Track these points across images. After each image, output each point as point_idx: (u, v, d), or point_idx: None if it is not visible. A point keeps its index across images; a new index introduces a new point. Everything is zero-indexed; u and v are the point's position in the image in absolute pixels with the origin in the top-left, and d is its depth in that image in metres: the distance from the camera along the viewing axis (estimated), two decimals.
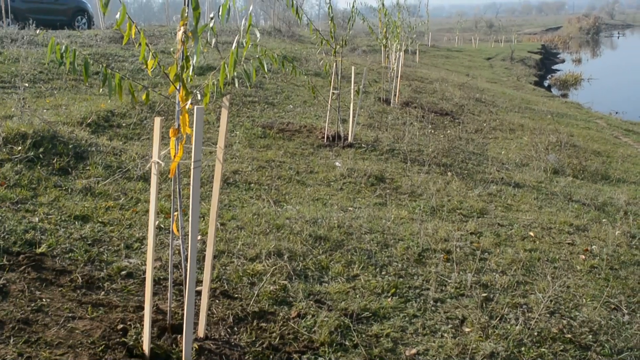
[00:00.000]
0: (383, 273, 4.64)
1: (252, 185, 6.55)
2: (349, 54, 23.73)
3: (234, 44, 3.01)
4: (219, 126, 8.83)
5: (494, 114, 14.56)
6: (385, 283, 4.45)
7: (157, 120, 3.04)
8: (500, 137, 11.79)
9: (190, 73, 3.13)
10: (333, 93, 9.19)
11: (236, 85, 3.26)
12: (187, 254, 3.07)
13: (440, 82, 18.40)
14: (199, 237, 4.71)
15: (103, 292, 3.88)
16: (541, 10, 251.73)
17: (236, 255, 4.60)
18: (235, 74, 3.20)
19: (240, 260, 4.53)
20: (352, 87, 9.60)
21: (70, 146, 6.44)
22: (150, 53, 3.12)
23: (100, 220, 4.96)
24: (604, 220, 6.85)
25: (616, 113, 22.08)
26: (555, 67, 42.88)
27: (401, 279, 4.56)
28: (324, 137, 8.96)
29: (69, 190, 5.54)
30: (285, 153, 8.03)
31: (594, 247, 5.84)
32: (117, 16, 2.89)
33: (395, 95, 13.29)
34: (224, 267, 4.40)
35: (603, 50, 66.60)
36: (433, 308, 4.20)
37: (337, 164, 7.72)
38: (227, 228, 5.14)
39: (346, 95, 11.43)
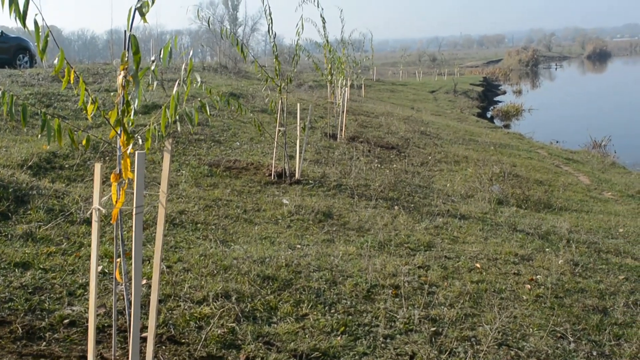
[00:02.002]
0: (332, 311, 4.63)
1: (199, 225, 6.48)
2: (295, 89, 23.90)
3: (175, 88, 3.00)
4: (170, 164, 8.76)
5: (438, 146, 14.81)
6: (335, 321, 4.44)
7: (98, 167, 3.00)
8: (446, 170, 11.98)
9: (132, 117, 3.10)
10: (279, 130, 9.22)
11: (178, 128, 3.24)
12: (131, 300, 3.01)
13: (385, 116, 18.66)
14: (145, 281, 4.63)
15: (44, 343, 3.76)
16: (482, 43, 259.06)
17: (183, 299, 4.52)
18: (177, 117, 3.18)
19: (187, 304, 4.45)
20: (298, 123, 9.65)
21: (10, 190, 6.28)
22: (90, 98, 3.09)
23: (41, 266, 4.83)
24: (547, 249, 6.99)
25: (557, 142, 22.72)
26: (497, 98, 44.03)
27: (350, 317, 4.55)
28: (271, 174, 8.96)
29: (9, 236, 5.39)
30: (232, 191, 7.99)
31: (538, 276, 5.95)
32: (56, 61, 2.86)
33: (341, 130, 13.41)
34: (170, 312, 4.32)
35: (542, 81, 68.78)
36: (383, 345, 4.20)
37: (284, 201, 7.72)
38: (173, 270, 5.06)
39: (293, 132, 11.49)
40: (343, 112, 13.67)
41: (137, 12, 3.01)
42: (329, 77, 13.55)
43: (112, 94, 12.49)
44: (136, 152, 2.84)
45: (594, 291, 5.72)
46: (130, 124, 3.11)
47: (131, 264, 3.11)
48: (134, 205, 2.89)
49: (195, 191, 7.76)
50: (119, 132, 3.06)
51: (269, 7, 8.60)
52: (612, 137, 22.48)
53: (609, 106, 41.15)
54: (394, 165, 11.32)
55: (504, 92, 49.05)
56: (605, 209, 10.52)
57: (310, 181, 8.93)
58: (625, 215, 10.17)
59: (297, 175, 9.02)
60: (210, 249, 5.70)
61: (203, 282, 4.86)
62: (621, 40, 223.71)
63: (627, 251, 7.46)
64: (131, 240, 3.04)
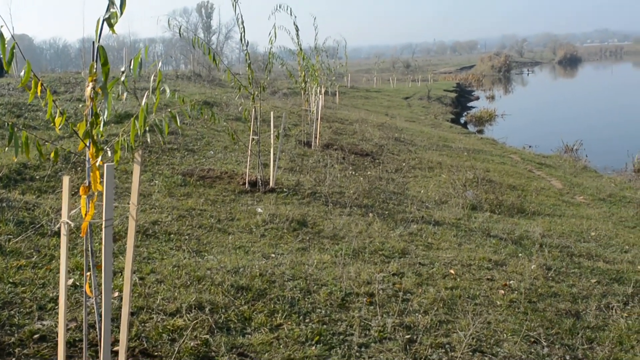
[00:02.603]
0: (307, 320, 4.62)
1: (172, 235, 6.43)
2: (269, 97, 23.89)
3: (144, 99, 2.98)
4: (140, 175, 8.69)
5: (413, 152, 14.88)
6: (309, 331, 4.42)
7: (66, 180, 2.96)
8: (420, 176, 12.03)
9: (101, 129, 3.07)
10: (253, 138, 9.20)
11: (148, 140, 3.22)
12: (102, 313, 2.97)
13: (360, 123, 18.71)
14: (117, 294, 4.58)
15: (14, 359, 3.70)
16: (455, 49, 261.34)
17: (156, 311, 4.48)
18: (147, 128, 3.16)
19: (160, 316, 4.41)
20: (272, 131, 9.64)
21: None
22: (58, 110, 3.05)
23: (11, 280, 4.75)
24: (520, 254, 7.04)
25: (529, 147, 22.95)
26: (470, 104, 44.41)
27: (325, 326, 4.54)
28: (245, 183, 8.93)
29: None
30: (206, 201, 7.95)
31: (512, 281, 5.99)
32: (22, 73, 2.82)
33: (316, 137, 13.42)
34: (143, 324, 4.27)
35: (515, 86, 69.52)
36: (357, 354, 4.19)
37: (258, 210, 7.69)
38: (146, 282, 5.01)
39: (267, 140, 11.47)
40: (317, 119, 13.69)
41: (105, 23, 2.99)
42: (303, 84, 13.56)
43: (80, 105, 12.39)
44: (105, 165, 2.82)
45: (566, 295, 5.78)
46: (99, 135, 3.08)
47: (102, 277, 3.07)
48: (104, 219, 2.86)
49: (168, 201, 7.71)
50: (87, 144, 3.02)
51: (242, 16, 8.60)
52: (584, 141, 22.77)
53: (580, 111, 41.74)
54: (369, 172, 11.34)
55: (477, 98, 49.49)
56: (577, 212, 10.63)
57: (285, 189, 8.92)
58: (597, 218, 10.29)
59: (271, 184, 9.00)
60: (183, 259, 5.66)
61: (176, 294, 4.82)
62: (591, 45, 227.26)
63: (599, 254, 7.54)
64: (102, 253, 3.01)
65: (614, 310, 5.55)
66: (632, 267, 7.06)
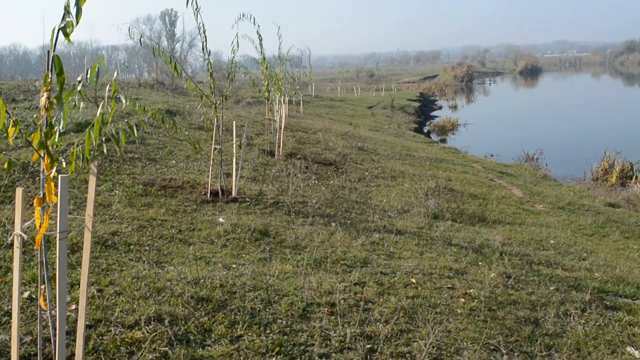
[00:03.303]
0: (267, 331, 4.59)
1: (132, 246, 6.35)
2: (233, 106, 23.81)
3: (99, 110, 2.94)
4: (97, 185, 8.56)
5: (376, 162, 14.95)
6: (270, 342, 4.40)
7: (19, 191, 2.91)
8: (383, 185, 12.09)
9: (56, 139, 3.02)
10: (215, 148, 9.15)
11: (104, 151, 3.17)
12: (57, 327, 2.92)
13: (323, 132, 18.75)
14: (74, 307, 4.50)
15: None
16: (418, 59, 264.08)
17: (114, 324, 4.41)
18: (103, 139, 3.12)
19: (118, 329, 4.35)
20: (234, 140, 9.59)
21: None
22: (11, 120, 3.00)
23: None
24: (481, 262, 7.11)
25: (491, 156, 23.27)
26: (433, 113, 44.88)
27: (286, 337, 4.52)
28: (207, 193, 8.87)
29: None
30: (167, 211, 7.87)
31: (472, 289, 6.04)
32: None
33: (279, 146, 13.40)
34: (100, 337, 4.20)
35: (477, 96, 70.48)
36: None
37: (220, 220, 7.64)
38: (104, 294, 4.93)
39: (230, 149, 11.41)
40: (281, 128, 13.68)
41: (60, 32, 2.95)
42: (266, 93, 13.54)
43: (34, 116, 12.20)
44: (59, 176, 2.77)
45: (525, 303, 5.85)
46: (54, 146, 3.03)
47: (57, 289, 3.02)
48: (57, 231, 2.81)
49: (128, 211, 7.61)
50: (42, 154, 2.97)
51: (203, 25, 8.55)
52: (544, 150, 23.18)
53: (541, 120, 42.45)
54: (332, 182, 11.36)
55: (440, 107, 50.04)
56: (537, 221, 10.79)
57: (247, 199, 8.88)
58: (556, 226, 10.45)
59: (233, 193, 8.96)
60: (143, 271, 5.59)
61: (135, 306, 4.75)
62: (551, 56, 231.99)
63: (558, 262, 7.66)
64: (57, 266, 2.96)
65: (571, 317, 5.63)
66: (589, 274, 7.18)
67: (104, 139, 3.14)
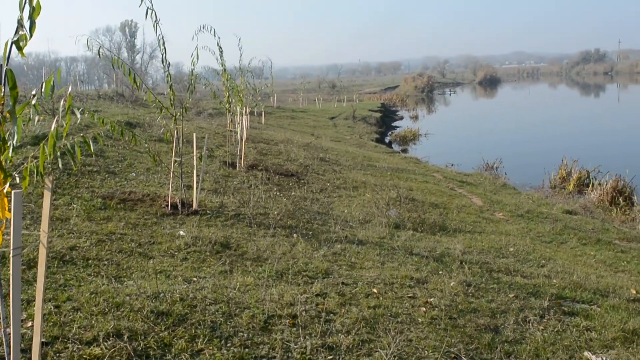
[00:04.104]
0: (228, 345, 4.57)
1: (91, 261, 6.26)
2: (194, 117, 23.69)
3: (53, 125, 2.91)
4: (54, 199, 8.42)
5: (337, 172, 15.00)
6: (231, 355, 4.38)
7: None
8: (344, 195, 12.13)
9: (10, 154, 2.98)
10: (175, 160, 9.09)
11: (60, 165, 3.12)
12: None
13: (285, 143, 18.75)
14: (30, 324, 4.42)
15: None
16: (380, 70, 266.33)
17: (71, 340, 4.34)
18: (59, 153, 3.08)
19: (76, 345, 4.28)
20: (194, 152, 9.53)
21: None
22: None
23: None
24: (441, 271, 7.18)
25: (452, 165, 23.54)
26: (394, 124, 45.29)
27: (247, 350, 4.51)
28: (167, 206, 8.79)
29: None
30: (126, 224, 7.77)
31: (433, 298, 6.10)
32: None
33: (240, 158, 13.36)
34: (57, 354, 4.13)
35: (437, 106, 71.32)
36: None
37: (181, 232, 7.58)
38: (61, 310, 4.85)
39: (191, 161, 11.34)
40: (242, 140, 13.64)
41: (14, 46, 2.91)
42: (227, 105, 13.50)
43: None
44: (12, 192, 2.72)
45: (485, 310, 5.92)
46: (7, 161, 2.98)
47: (11, 307, 2.96)
48: (11, 247, 2.76)
49: (87, 225, 7.50)
50: None
51: (163, 37, 8.51)
52: (503, 159, 23.52)
53: (500, 129, 43.14)
54: (293, 193, 11.36)
55: (402, 118, 50.53)
56: (497, 229, 10.93)
57: (208, 211, 8.83)
58: (515, 234, 10.60)
59: (194, 206, 8.90)
60: (102, 285, 5.51)
61: (93, 322, 4.68)
62: (510, 66, 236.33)
63: (517, 269, 7.77)
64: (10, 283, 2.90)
65: (530, 324, 5.72)
66: (548, 281, 7.30)
67: (59, 154, 3.09)
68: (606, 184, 17.73)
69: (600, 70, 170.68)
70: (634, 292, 7.32)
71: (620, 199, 16.83)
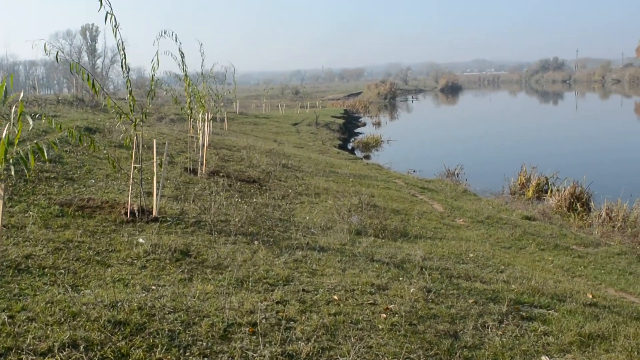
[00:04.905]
0: (187, 354, 4.52)
1: (47, 270, 6.13)
2: (156, 123, 23.48)
3: (4, 132, 2.84)
4: (10, 206, 8.25)
5: (300, 179, 14.99)
6: None
7: None
8: (306, 202, 12.13)
9: None
10: (135, 167, 8.97)
11: (12, 173, 3.06)
12: None
13: (247, 149, 18.70)
14: None
15: None
16: (343, 76, 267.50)
17: (25, 351, 4.24)
18: (11, 160, 3.02)
19: (31, 356, 4.19)
20: (154, 158, 9.43)
21: None
22: None
23: None
24: (402, 278, 7.21)
25: (413, 172, 23.74)
26: (357, 130, 45.52)
27: (206, 358, 4.47)
28: (127, 213, 8.67)
29: None
30: (84, 232, 7.64)
31: (393, 305, 6.12)
32: None
33: (202, 164, 13.26)
34: None
35: (400, 113, 71.89)
36: None
37: (140, 240, 7.48)
38: (15, 321, 4.74)
39: (151, 168, 11.22)
40: (204, 146, 13.55)
41: None
42: (189, 111, 13.41)
43: None
44: None
45: (445, 316, 5.96)
46: None
47: None
48: None
49: (44, 233, 7.36)
50: None
51: (123, 42, 8.41)
52: (464, 165, 23.81)
53: (461, 135, 43.69)
54: (255, 199, 11.32)
55: (364, 124, 50.82)
56: (457, 235, 11.04)
57: (169, 218, 8.73)
58: (475, 240, 10.72)
59: (154, 213, 8.79)
60: (58, 295, 5.40)
61: (49, 332, 4.59)
62: (471, 74, 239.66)
63: (477, 275, 7.85)
64: None
65: (489, 329, 5.79)
66: (506, 286, 7.39)
67: (12, 161, 3.03)
68: (564, 190, 18.07)
69: (558, 78, 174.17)
70: (591, 296, 7.46)
71: (578, 205, 17.17)
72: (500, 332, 5.75)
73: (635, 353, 5.59)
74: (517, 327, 5.92)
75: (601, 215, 15.45)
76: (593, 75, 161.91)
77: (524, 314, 6.39)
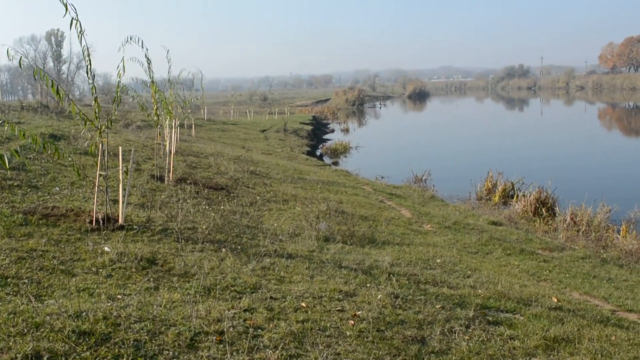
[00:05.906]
0: None
1: (10, 280, 6.02)
2: (122, 130, 23.25)
3: None
4: None
5: (268, 185, 14.96)
6: None
7: None
8: (275, 209, 12.10)
9: None
10: (100, 174, 8.87)
11: None
12: None
13: (215, 156, 18.61)
14: None
15: None
16: (311, 83, 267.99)
17: None
18: None
19: None
20: (120, 166, 9.33)
21: None
22: None
23: None
24: (369, 284, 7.23)
25: (381, 178, 23.84)
26: (326, 136, 45.61)
27: None
28: (92, 221, 8.56)
29: None
30: (49, 241, 7.52)
31: (361, 311, 6.13)
32: None
33: (169, 171, 13.16)
34: None
35: (368, 119, 72.18)
36: None
37: (106, 248, 7.39)
38: None
39: (117, 175, 11.10)
40: (171, 153, 13.45)
41: None
42: (156, 117, 13.30)
43: None
44: None
45: (413, 322, 6.00)
46: None
47: None
48: None
49: (6, 242, 7.23)
50: None
51: (88, 48, 8.32)
52: (432, 171, 23.97)
53: (429, 141, 44.06)
54: (223, 207, 11.26)
55: (333, 131, 50.90)
56: (424, 240, 11.11)
57: (135, 226, 8.64)
58: (442, 246, 10.80)
59: (120, 221, 8.70)
60: (21, 305, 5.31)
61: (11, 343, 4.50)
62: (438, 81, 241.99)
63: (444, 280, 7.91)
64: None
65: (456, 334, 5.83)
66: (473, 291, 7.46)
67: None
68: (530, 196, 18.31)
69: (524, 85, 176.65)
70: (555, 300, 7.56)
71: (543, 210, 17.41)
72: (467, 337, 5.80)
73: (599, 355, 5.68)
74: (483, 332, 5.98)
75: (566, 220, 15.68)
76: (557, 82, 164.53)
77: (490, 318, 6.45)
